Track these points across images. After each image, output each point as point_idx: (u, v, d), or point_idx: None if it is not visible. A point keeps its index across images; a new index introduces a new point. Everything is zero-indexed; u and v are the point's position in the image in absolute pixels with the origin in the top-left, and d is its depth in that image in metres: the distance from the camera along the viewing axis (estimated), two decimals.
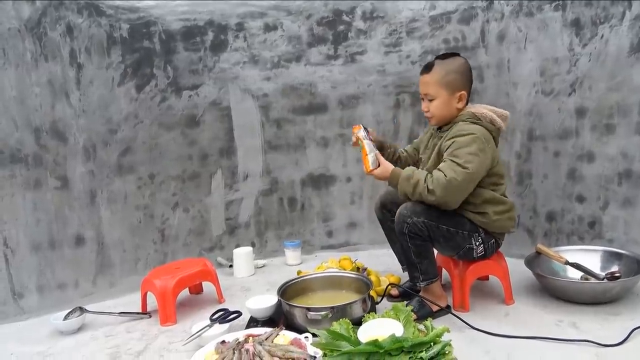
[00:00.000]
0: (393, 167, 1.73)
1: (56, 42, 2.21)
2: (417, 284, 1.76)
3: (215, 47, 2.61)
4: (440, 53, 1.84)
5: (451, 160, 1.63)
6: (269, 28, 2.66)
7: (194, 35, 2.56)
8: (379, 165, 1.74)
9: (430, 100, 1.75)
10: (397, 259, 2.05)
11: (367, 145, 1.76)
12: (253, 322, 1.75)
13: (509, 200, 1.81)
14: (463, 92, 1.74)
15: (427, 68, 1.76)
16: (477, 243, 1.75)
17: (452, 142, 1.67)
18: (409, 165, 1.82)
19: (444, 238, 1.71)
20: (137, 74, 2.46)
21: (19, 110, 2.11)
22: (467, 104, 1.77)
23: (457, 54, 1.79)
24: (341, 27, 2.68)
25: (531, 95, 2.34)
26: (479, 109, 1.76)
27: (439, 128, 1.83)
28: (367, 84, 2.69)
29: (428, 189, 1.61)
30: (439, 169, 1.64)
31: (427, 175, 1.65)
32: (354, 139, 1.83)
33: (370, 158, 1.74)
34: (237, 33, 2.63)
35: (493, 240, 1.80)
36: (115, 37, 2.39)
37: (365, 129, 1.82)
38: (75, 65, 2.28)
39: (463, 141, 1.66)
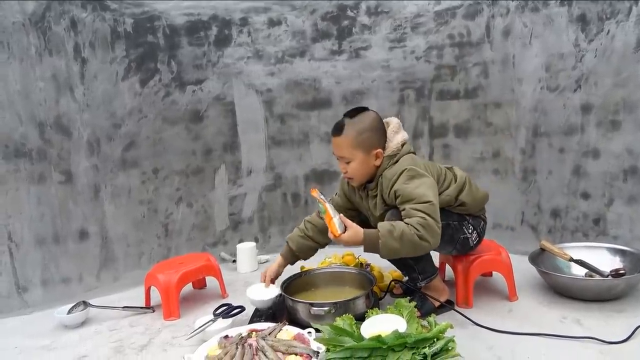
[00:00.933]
0: (361, 228, 1.56)
1: (60, 37, 2.21)
2: (418, 284, 1.76)
3: (219, 42, 2.60)
4: (348, 110, 1.69)
5: (410, 205, 1.53)
6: (273, 23, 2.65)
7: (198, 30, 2.56)
8: (345, 229, 1.56)
9: (348, 163, 1.66)
10: (397, 268, 2.05)
11: (330, 208, 1.58)
12: (256, 317, 1.75)
13: (461, 175, 1.76)
14: (379, 149, 1.65)
15: (338, 130, 1.64)
16: (470, 230, 1.76)
17: (395, 192, 1.59)
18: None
19: None
20: (141, 69, 2.46)
21: (24, 104, 2.11)
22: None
23: (366, 109, 1.69)
24: (345, 23, 2.67)
25: (536, 91, 2.33)
26: (388, 145, 1.68)
27: (365, 187, 1.75)
28: (372, 79, 2.68)
29: (419, 236, 1.48)
30: (408, 216, 1.52)
31: (405, 223, 1.50)
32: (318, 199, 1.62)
33: (336, 222, 1.56)
34: (241, 28, 2.63)
35: (482, 222, 1.81)
36: (120, 32, 2.39)
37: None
38: (80, 60, 2.28)
39: (402, 182, 1.58)
